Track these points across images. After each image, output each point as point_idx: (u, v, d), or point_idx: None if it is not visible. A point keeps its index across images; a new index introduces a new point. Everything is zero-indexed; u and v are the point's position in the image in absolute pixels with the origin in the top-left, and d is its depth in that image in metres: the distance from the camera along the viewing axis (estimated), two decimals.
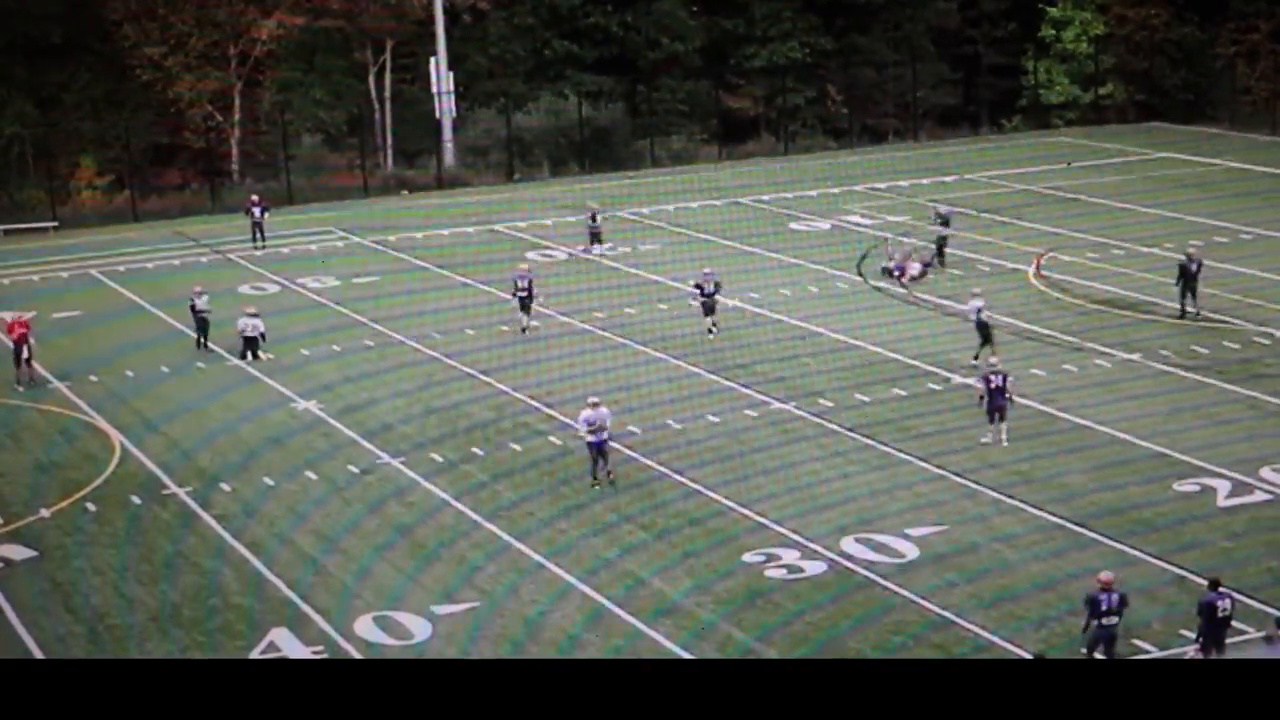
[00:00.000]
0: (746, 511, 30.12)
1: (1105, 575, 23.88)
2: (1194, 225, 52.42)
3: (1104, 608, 23.41)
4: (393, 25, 71.14)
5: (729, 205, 59.98)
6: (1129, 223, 53.54)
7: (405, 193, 65.06)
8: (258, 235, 54.71)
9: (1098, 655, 23.30)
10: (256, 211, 54.72)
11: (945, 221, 49.36)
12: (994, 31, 78.63)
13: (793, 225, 55.85)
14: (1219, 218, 53.51)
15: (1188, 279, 41.63)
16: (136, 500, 31.96)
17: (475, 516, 30.46)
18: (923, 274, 46.81)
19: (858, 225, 55.06)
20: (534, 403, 36.99)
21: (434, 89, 68.17)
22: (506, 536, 29.48)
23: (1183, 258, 42.49)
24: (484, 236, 55.92)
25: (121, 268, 53.19)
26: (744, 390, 37.41)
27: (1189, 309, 41.57)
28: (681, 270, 48.32)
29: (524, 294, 42.74)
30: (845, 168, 66.69)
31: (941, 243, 48.36)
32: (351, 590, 27.60)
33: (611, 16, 74.66)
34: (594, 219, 52.51)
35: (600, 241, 51.98)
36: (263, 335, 41.32)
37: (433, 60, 68.03)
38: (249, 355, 41.01)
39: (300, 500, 31.76)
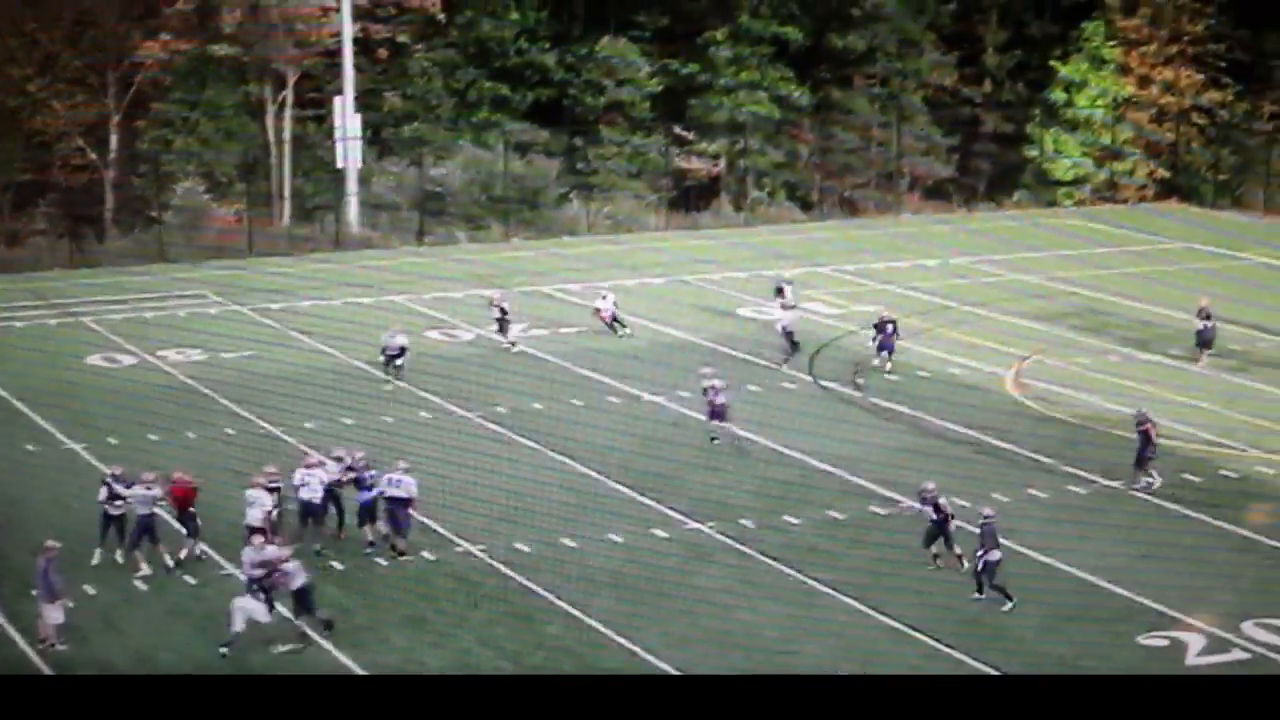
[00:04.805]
0: (634, 647, 30.34)
1: (929, 484, 34.05)
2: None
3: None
4: (296, 56, 71.71)
5: (671, 284, 60.52)
6: (1133, 323, 54.15)
7: None
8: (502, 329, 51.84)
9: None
10: (499, 308, 51.96)
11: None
12: (998, 93, 79.55)
13: (740, 310, 56.38)
14: (1241, 321, 53.91)
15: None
16: None
17: (327, 645, 30.65)
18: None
19: (818, 315, 55.53)
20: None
21: (336, 133, 68.32)
22: (356, 667, 29.66)
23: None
24: (380, 308, 56.27)
25: None
26: (655, 506, 37.69)
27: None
28: (606, 364, 48.92)
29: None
30: (813, 244, 67.48)
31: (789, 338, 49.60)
32: None
33: (549, 53, 75.11)
34: (781, 292, 52.90)
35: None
36: None
37: (337, 100, 68.28)
38: None
39: (87, 619, 31.57)
